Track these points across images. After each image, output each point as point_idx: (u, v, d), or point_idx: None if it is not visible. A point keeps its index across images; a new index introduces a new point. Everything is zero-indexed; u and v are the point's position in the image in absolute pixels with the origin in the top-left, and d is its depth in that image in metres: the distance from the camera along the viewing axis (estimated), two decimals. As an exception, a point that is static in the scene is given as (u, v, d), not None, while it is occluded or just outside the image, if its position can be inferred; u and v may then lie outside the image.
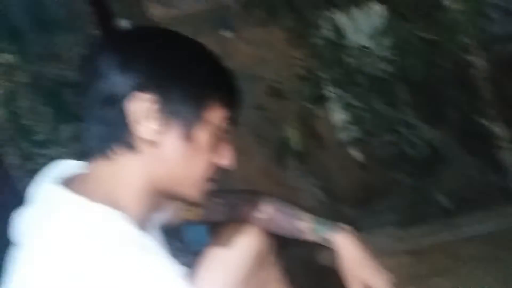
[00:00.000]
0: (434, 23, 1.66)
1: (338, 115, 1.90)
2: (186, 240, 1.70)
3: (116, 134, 0.72)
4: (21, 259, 0.68)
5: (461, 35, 1.63)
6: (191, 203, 0.88)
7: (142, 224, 0.74)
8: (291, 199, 1.13)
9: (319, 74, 1.75)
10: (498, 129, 2.04)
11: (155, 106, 0.71)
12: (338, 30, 1.75)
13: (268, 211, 1.07)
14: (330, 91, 1.80)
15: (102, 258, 0.63)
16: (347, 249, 1.03)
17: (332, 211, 1.88)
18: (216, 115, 0.76)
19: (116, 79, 0.71)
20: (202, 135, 0.75)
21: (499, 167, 2.11)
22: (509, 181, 2.08)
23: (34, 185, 0.76)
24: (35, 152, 1.48)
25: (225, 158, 0.79)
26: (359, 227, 1.92)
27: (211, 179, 0.79)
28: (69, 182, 0.73)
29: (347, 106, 1.80)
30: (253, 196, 1.10)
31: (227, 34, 1.85)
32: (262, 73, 1.84)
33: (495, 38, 1.82)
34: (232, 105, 0.79)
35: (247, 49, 1.87)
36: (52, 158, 1.53)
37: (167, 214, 1.01)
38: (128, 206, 0.71)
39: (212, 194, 0.91)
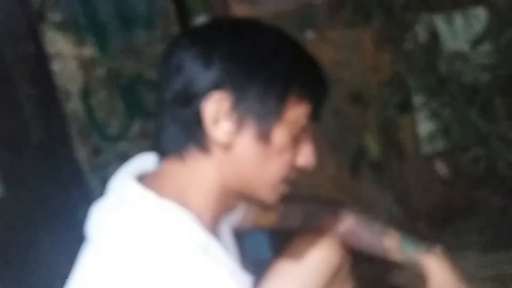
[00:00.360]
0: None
1: (423, 125, 1.74)
2: (245, 248, 1.62)
3: (192, 135, 0.69)
4: (86, 253, 0.68)
5: None
6: (265, 206, 0.87)
7: (212, 225, 0.72)
8: (364, 214, 1.03)
9: (407, 81, 1.59)
10: None
11: (231, 106, 0.68)
12: (433, 34, 1.58)
13: (348, 223, 0.99)
14: (418, 99, 1.63)
15: (164, 257, 0.62)
16: (437, 273, 0.94)
17: (408, 229, 1.71)
18: (297, 112, 0.70)
19: (195, 74, 0.68)
20: (280, 135, 0.69)
21: None
22: None
23: (113, 179, 0.74)
24: (105, 146, 1.46)
25: (304, 157, 0.74)
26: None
27: (288, 181, 0.74)
28: (143, 178, 0.72)
29: (435, 116, 1.63)
30: (333, 205, 1.01)
31: (311, 34, 1.74)
32: (344, 77, 1.72)
33: None
34: (317, 98, 0.73)
35: (331, 51, 1.75)
36: (121, 154, 1.51)
37: (240, 216, 0.95)
38: (198, 207, 0.69)
39: (288, 199, 0.88)
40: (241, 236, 1.60)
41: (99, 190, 0.74)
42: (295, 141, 0.71)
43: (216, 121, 0.67)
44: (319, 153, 1.85)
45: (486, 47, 1.63)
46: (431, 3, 1.62)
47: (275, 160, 0.70)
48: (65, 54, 1.45)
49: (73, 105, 1.49)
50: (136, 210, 0.66)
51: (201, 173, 0.69)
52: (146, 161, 0.77)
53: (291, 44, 0.73)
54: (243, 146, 0.68)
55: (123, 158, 0.75)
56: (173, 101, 0.70)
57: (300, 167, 0.74)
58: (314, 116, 0.73)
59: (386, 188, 1.76)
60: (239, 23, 0.75)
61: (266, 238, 1.74)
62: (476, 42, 1.63)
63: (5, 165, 1.25)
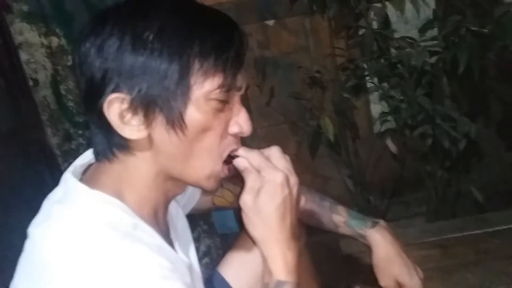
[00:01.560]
0: (487, 17, 1.45)
1: (376, 106, 1.73)
2: (214, 223, 1.59)
3: (109, 138, 0.63)
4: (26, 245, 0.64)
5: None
6: (207, 192, 0.81)
7: (153, 213, 0.68)
8: (321, 188, 1.01)
9: (361, 65, 1.56)
10: (540, 127, 1.84)
11: (131, 101, 0.60)
12: (385, 21, 1.55)
13: (302, 201, 0.94)
14: (371, 82, 1.61)
15: (89, 241, 0.58)
16: (381, 245, 0.94)
17: (362, 201, 1.72)
18: (207, 87, 0.61)
19: (90, 73, 0.61)
20: (193, 116, 0.61)
21: None
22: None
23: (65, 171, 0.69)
24: (75, 133, 1.39)
25: (237, 125, 0.65)
26: (388, 217, 1.81)
27: (230, 157, 0.67)
28: (85, 171, 0.68)
29: (386, 97, 1.61)
30: None
31: (270, 22, 1.69)
32: (302, 62, 1.68)
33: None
34: (227, 66, 0.61)
35: (290, 38, 1.71)
36: (90, 139, 1.44)
37: (196, 198, 0.90)
38: (132, 199, 0.64)
39: (242, 180, 0.83)
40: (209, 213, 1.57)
41: None
42: (219, 114, 0.63)
43: (122, 121, 0.61)
44: (281, 133, 1.86)
45: (433, 32, 1.61)
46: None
47: (201, 140, 0.62)
48: (32, 43, 1.36)
49: (43, 93, 1.40)
50: (69, 201, 0.63)
51: (131, 171, 0.64)
52: (92, 156, 0.71)
53: (184, 13, 0.61)
54: (161, 138, 0.62)
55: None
56: (84, 105, 0.64)
57: (233, 134, 0.66)
58: (232, 84, 0.62)
59: (342, 164, 1.75)
60: (126, 5, 0.63)
61: (233, 213, 1.71)
62: (424, 28, 1.61)
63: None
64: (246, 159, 0.66)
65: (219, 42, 0.61)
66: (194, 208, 0.93)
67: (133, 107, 0.60)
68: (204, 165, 0.65)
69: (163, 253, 0.63)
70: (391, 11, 1.64)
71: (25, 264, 0.62)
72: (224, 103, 0.63)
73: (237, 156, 0.67)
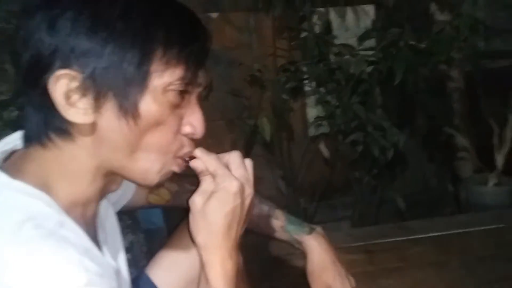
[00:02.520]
0: (424, 31, 1.51)
1: (312, 110, 1.74)
2: (138, 218, 1.52)
3: (48, 120, 0.56)
4: None
5: (448, 47, 1.47)
6: (148, 188, 0.77)
7: (83, 208, 0.61)
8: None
9: (301, 68, 1.56)
10: (462, 140, 1.95)
11: (82, 81, 0.54)
12: (327, 27, 1.55)
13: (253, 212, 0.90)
14: (309, 85, 1.61)
15: (5, 241, 0.51)
16: (316, 252, 0.91)
17: (292, 203, 1.72)
18: (166, 78, 0.56)
19: (38, 48, 0.54)
20: (150, 106, 0.56)
21: (456, 177, 2.02)
22: (463, 192, 1.99)
23: None
24: (-5, 113, 1.26)
25: (190, 126, 0.60)
26: (316, 220, 1.83)
27: (178, 160, 0.61)
28: (8, 158, 0.61)
29: (322, 102, 1.62)
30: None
31: (214, 15, 1.64)
32: (243, 59, 1.65)
33: (480, 54, 1.68)
34: (190, 59, 0.57)
35: (232, 33, 1.67)
36: (9, 121, 1.32)
37: (130, 194, 0.83)
38: (62, 192, 0.58)
39: (181, 178, 0.81)
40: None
41: None
42: (174, 109, 0.58)
43: (68, 101, 0.54)
44: (216, 130, 1.82)
45: (371, 42, 1.65)
46: (328, -2, 1.60)
47: (151, 133, 0.57)
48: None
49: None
50: None
51: (67, 160, 0.58)
52: (18, 141, 0.64)
53: (150, 1, 0.57)
54: (108, 125, 0.56)
55: (11, 125, 0.61)
56: (23, 82, 0.57)
57: (186, 134, 0.61)
58: (193, 79, 0.58)
59: (275, 165, 1.74)
60: None
61: (159, 209, 1.65)
62: (363, 37, 1.64)
63: None
64: (203, 161, 0.62)
65: (186, 33, 0.57)
66: (126, 206, 0.85)
67: (84, 87, 0.54)
68: (152, 160, 0.59)
69: (90, 256, 0.57)
70: (333, 17, 1.66)
71: None
72: (182, 98, 0.58)
73: (193, 157, 0.62)
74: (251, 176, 0.63)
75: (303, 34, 1.57)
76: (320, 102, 1.62)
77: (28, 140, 0.59)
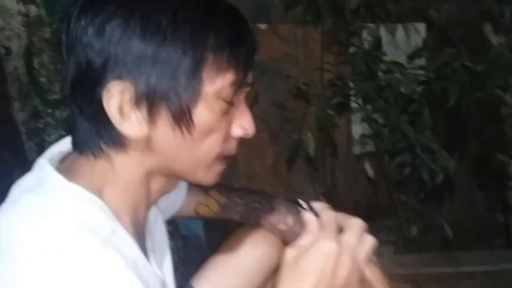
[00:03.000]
0: (479, 53, 1.44)
1: (358, 127, 1.68)
2: (178, 224, 1.50)
3: (101, 132, 0.55)
4: None
5: (504, 71, 1.40)
6: (204, 186, 0.76)
7: (133, 215, 0.60)
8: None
9: (348, 83, 1.51)
10: (514, 169, 1.84)
11: (135, 93, 0.53)
12: (377, 43, 1.50)
13: (288, 222, 0.85)
14: (356, 102, 1.56)
15: (61, 244, 0.50)
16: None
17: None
18: (218, 84, 0.55)
19: (87, 59, 0.52)
20: (203, 114, 0.55)
21: (507, 207, 1.90)
22: (515, 224, 1.87)
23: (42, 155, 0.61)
24: (45, 111, 1.27)
25: (240, 128, 0.59)
26: None
27: (227, 157, 0.61)
28: (63, 160, 0.60)
29: (369, 120, 1.56)
30: (273, 201, 0.87)
31: (262, 26, 1.62)
32: (290, 71, 1.61)
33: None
34: (240, 63, 0.55)
35: (279, 45, 1.64)
36: (60, 120, 1.33)
37: (179, 204, 0.83)
38: (112, 199, 0.56)
39: (231, 191, 0.83)
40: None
41: (35, 155, 0.63)
42: (226, 114, 0.57)
43: (122, 114, 0.53)
44: (259, 142, 1.79)
45: (422, 61, 1.58)
46: (378, 14, 1.55)
47: (204, 141, 0.57)
48: (9, 9, 1.25)
49: (14, 64, 1.29)
50: (42, 192, 0.54)
51: (117, 169, 0.57)
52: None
53: (198, 4, 0.54)
54: (162, 136, 0.55)
55: (62, 124, 0.60)
56: (72, 92, 0.55)
57: (236, 137, 0.60)
58: (243, 81, 0.57)
59: (317, 181, 1.69)
60: None
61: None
62: (413, 55, 1.58)
63: None
64: (316, 215, 0.61)
65: (234, 36, 0.55)
66: (175, 215, 0.84)
67: (137, 99, 0.53)
68: (205, 165, 0.59)
69: (138, 268, 0.55)
70: (382, 33, 1.61)
71: None
72: (231, 103, 0.57)
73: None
74: (363, 252, 0.58)
75: (352, 49, 1.53)
76: (367, 119, 1.56)
77: (78, 148, 0.57)
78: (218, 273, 0.83)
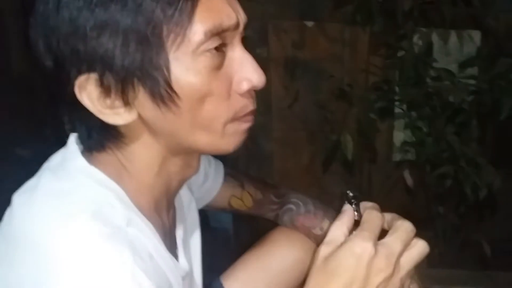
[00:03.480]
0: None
1: (399, 134, 1.61)
2: (208, 215, 1.48)
3: (97, 130, 0.52)
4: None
5: None
6: (240, 180, 0.78)
7: (154, 205, 0.57)
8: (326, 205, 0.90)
9: (394, 88, 1.45)
10: None
11: (100, 83, 0.48)
12: (428, 48, 1.44)
13: (324, 227, 0.82)
14: (400, 107, 1.49)
15: (68, 234, 0.48)
16: None
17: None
18: (186, 42, 0.46)
19: (45, 62, 0.49)
20: (184, 80, 0.47)
21: None
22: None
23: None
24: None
25: (247, 80, 0.51)
26: None
27: (246, 114, 0.53)
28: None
29: (413, 127, 1.50)
30: (310, 204, 0.84)
31: (309, 23, 1.58)
32: (334, 71, 1.57)
33: None
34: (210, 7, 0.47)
35: (327, 44, 1.59)
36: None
37: (213, 194, 0.81)
38: (132, 185, 0.54)
39: (268, 188, 0.81)
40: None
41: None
42: (216, 70, 0.49)
43: (102, 106, 0.49)
44: (297, 140, 1.76)
45: (474, 71, 1.50)
46: (432, 18, 1.48)
47: (202, 109, 0.49)
48: None
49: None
50: (61, 173, 0.53)
51: (132, 160, 0.54)
52: None
53: None
54: (152, 116, 0.49)
55: None
56: (53, 103, 0.53)
57: (244, 92, 0.51)
58: (226, 25, 0.48)
59: (353, 186, 1.63)
60: None
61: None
62: (466, 64, 1.50)
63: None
64: (360, 210, 0.54)
65: None
66: (208, 205, 0.83)
67: (107, 87, 0.48)
68: (217, 132, 0.51)
69: (154, 260, 0.53)
70: (434, 39, 1.53)
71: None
72: (220, 54, 0.49)
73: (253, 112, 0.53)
74: (408, 259, 0.50)
75: (401, 53, 1.47)
76: (410, 126, 1.50)
77: (89, 149, 0.55)
78: (250, 273, 0.81)
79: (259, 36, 1.59)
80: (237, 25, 0.49)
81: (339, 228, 0.52)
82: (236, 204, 0.84)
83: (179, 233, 0.64)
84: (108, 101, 0.49)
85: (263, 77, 0.51)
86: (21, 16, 1.15)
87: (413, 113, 1.49)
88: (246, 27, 0.51)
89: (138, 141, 0.53)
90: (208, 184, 0.80)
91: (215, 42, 0.47)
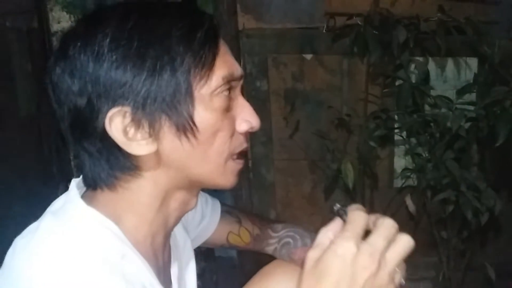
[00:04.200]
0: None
1: (400, 160, 1.62)
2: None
3: (113, 162, 0.56)
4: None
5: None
6: (237, 216, 0.80)
7: (150, 242, 0.60)
8: None
9: (392, 116, 1.47)
10: None
11: (132, 114, 0.53)
12: (425, 77, 1.45)
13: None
14: (399, 135, 1.51)
15: (67, 274, 0.50)
16: None
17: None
18: (208, 83, 0.55)
19: (74, 97, 0.53)
20: (204, 117, 0.55)
21: None
22: None
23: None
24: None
25: (245, 122, 0.59)
26: None
27: (240, 153, 0.61)
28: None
29: (413, 154, 1.50)
30: (307, 237, 0.84)
31: (308, 56, 1.61)
32: (333, 101, 1.59)
33: None
34: (218, 55, 0.56)
35: (326, 75, 1.62)
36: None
37: (210, 231, 0.82)
38: (131, 223, 0.57)
39: (265, 223, 0.83)
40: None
41: (79, 173, 0.62)
42: (227, 111, 0.57)
43: (127, 137, 0.54)
44: (298, 169, 1.77)
45: (472, 97, 1.51)
46: (427, 48, 1.50)
47: (213, 143, 0.57)
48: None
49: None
50: (62, 216, 0.56)
51: (136, 194, 0.57)
52: None
53: (158, 14, 0.55)
54: (171, 148, 0.55)
55: None
56: (74, 135, 0.56)
57: (244, 132, 0.60)
58: (232, 74, 0.57)
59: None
60: (87, 21, 0.57)
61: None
62: (463, 91, 1.51)
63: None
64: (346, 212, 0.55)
65: (202, 36, 0.55)
66: (206, 242, 0.84)
67: (137, 119, 0.54)
68: (216, 166, 0.59)
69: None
70: (431, 67, 1.55)
71: (0, 279, 0.54)
72: (229, 98, 0.57)
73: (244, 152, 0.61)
74: (392, 254, 0.51)
75: (398, 82, 1.49)
76: (410, 153, 1.51)
77: (92, 185, 0.58)
78: None
79: (259, 70, 1.62)
80: (241, 77, 0.59)
81: (325, 233, 0.54)
82: (234, 240, 0.86)
83: (174, 271, 0.66)
84: (135, 133, 0.54)
85: (259, 121, 0.60)
86: (29, 61, 1.19)
87: (413, 140, 1.49)
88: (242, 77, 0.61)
89: (148, 174, 0.56)
90: (205, 223, 0.81)
91: (226, 88, 0.56)
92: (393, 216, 1.62)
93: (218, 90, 0.55)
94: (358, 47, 1.43)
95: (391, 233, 0.52)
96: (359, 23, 1.43)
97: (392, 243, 0.52)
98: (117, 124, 0.53)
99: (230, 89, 0.57)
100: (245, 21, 1.63)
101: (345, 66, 1.62)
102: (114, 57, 0.52)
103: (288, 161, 1.63)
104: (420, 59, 1.48)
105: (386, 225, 0.53)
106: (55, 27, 1.31)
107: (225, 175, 0.59)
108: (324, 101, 1.62)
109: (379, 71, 1.51)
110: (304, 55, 1.61)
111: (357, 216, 0.53)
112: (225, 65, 0.56)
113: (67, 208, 0.57)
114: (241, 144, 0.60)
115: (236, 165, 0.60)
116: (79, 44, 0.53)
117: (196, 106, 0.54)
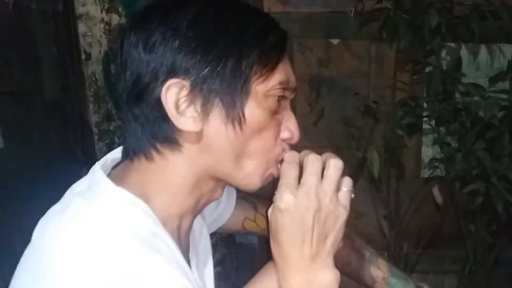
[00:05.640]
0: None
1: (427, 150, 1.56)
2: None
3: (156, 133, 0.57)
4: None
5: None
6: (253, 202, 0.80)
7: (177, 225, 0.60)
8: (353, 223, 0.86)
9: (421, 104, 1.41)
10: None
11: (190, 90, 0.55)
12: (457, 63, 1.39)
13: (340, 246, 0.80)
14: (428, 123, 1.45)
15: (102, 249, 0.51)
16: None
17: (393, 246, 1.55)
18: (266, 82, 0.57)
19: (139, 65, 0.55)
20: (253, 111, 0.57)
21: None
22: None
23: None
24: (116, 113, 1.31)
25: (288, 131, 0.61)
26: (418, 269, 1.64)
27: (275, 163, 0.61)
28: (115, 167, 0.62)
29: (441, 143, 1.44)
30: None
31: (335, 41, 1.56)
32: (360, 88, 1.54)
33: None
34: (282, 62, 0.58)
35: (353, 61, 1.57)
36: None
37: (226, 216, 0.81)
38: (160, 203, 0.57)
39: None
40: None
41: (103, 155, 0.63)
42: (275, 114, 0.59)
43: (178, 111, 0.55)
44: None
45: (505, 85, 1.44)
46: (460, 33, 1.43)
47: (255, 139, 0.57)
48: (93, 17, 1.29)
49: (93, 68, 1.33)
50: (90, 197, 0.56)
51: (171, 170, 0.58)
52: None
53: (239, 9, 0.58)
54: (215, 132, 0.56)
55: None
56: (128, 99, 0.57)
57: (284, 140, 0.61)
58: (288, 83, 0.59)
59: (380, 203, 1.59)
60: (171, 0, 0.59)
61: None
62: (496, 78, 1.44)
63: (11, 119, 1.11)
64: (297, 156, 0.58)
65: (278, 36, 0.58)
66: (222, 228, 0.83)
67: (192, 95, 0.55)
68: (256, 165, 0.59)
69: (180, 269, 0.56)
70: (463, 53, 1.49)
71: (30, 258, 0.55)
72: (279, 103, 0.59)
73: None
74: (328, 185, 0.55)
75: (428, 69, 1.43)
76: (439, 142, 1.45)
77: (132, 154, 0.58)
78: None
79: (285, 54, 1.58)
80: (294, 89, 0.61)
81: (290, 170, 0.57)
82: (250, 226, 0.85)
83: (191, 255, 0.66)
84: (186, 108, 0.55)
85: (299, 135, 0.61)
86: (54, 44, 1.19)
87: (442, 129, 1.43)
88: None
89: (185, 152, 0.57)
90: (221, 208, 0.80)
91: (280, 92, 0.58)
92: (419, 207, 1.56)
93: (273, 92, 0.57)
94: (387, 32, 1.38)
95: (317, 165, 0.56)
96: (389, 6, 1.37)
97: (324, 173, 0.55)
98: (172, 95, 0.54)
99: (281, 97, 0.59)
100: (271, 5, 1.59)
101: (373, 52, 1.57)
102: (190, 33, 0.54)
103: (312, 149, 1.59)
104: (452, 45, 1.41)
105: (311, 160, 0.56)
106: (80, 10, 1.30)
107: (252, 177, 0.59)
108: (351, 88, 1.57)
109: (409, 57, 1.45)
110: (330, 40, 1.56)
111: (286, 168, 0.56)
112: (284, 72, 0.58)
113: (95, 189, 0.57)
114: (282, 150, 0.60)
115: (266, 171, 0.60)
116: (158, 18, 0.55)
117: (250, 100, 0.56)
